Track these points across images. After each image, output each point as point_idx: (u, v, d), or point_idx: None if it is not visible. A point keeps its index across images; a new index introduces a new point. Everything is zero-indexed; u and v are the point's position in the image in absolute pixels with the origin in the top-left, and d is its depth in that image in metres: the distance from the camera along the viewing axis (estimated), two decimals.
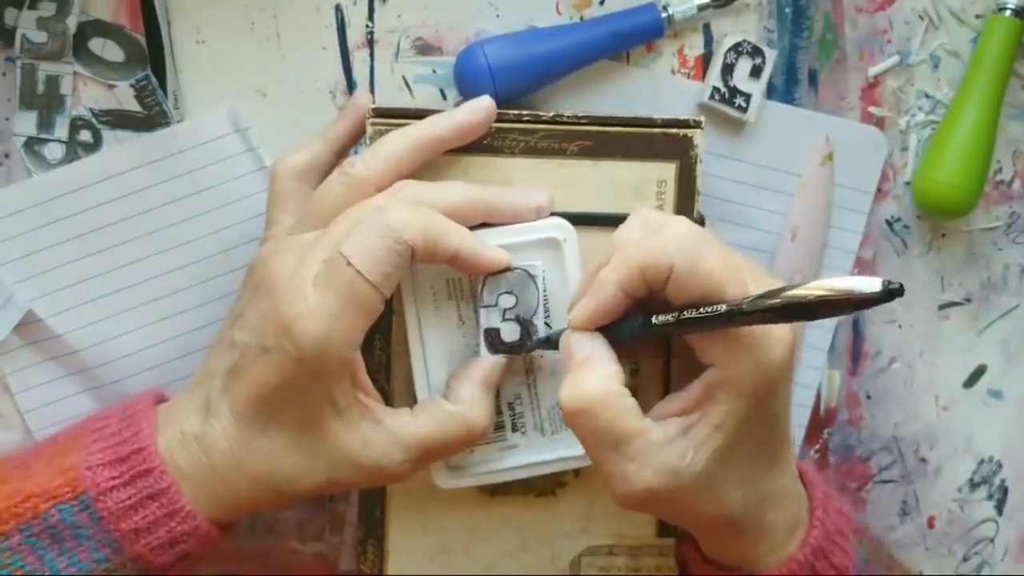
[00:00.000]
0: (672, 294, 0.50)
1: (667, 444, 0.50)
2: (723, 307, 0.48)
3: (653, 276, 0.50)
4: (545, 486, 0.60)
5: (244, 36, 0.62)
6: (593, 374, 0.51)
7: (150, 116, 0.62)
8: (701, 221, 0.58)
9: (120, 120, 0.62)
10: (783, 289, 0.47)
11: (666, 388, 0.58)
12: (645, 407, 0.52)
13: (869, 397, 0.67)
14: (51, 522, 0.53)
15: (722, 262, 0.50)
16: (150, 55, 0.62)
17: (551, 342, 0.55)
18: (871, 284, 0.44)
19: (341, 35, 0.63)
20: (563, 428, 0.58)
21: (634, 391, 0.51)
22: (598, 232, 0.57)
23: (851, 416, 0.68)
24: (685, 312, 0.50)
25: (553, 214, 0.56)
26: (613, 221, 0.54)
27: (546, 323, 0.56)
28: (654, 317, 0.51)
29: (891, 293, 0.44)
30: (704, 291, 0.50)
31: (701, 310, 0.49)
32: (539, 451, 0.58)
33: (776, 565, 0.55)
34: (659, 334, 0.52)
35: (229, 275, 0.63)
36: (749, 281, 0.50)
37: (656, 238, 0.51)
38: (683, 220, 0.52)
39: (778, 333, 0.50)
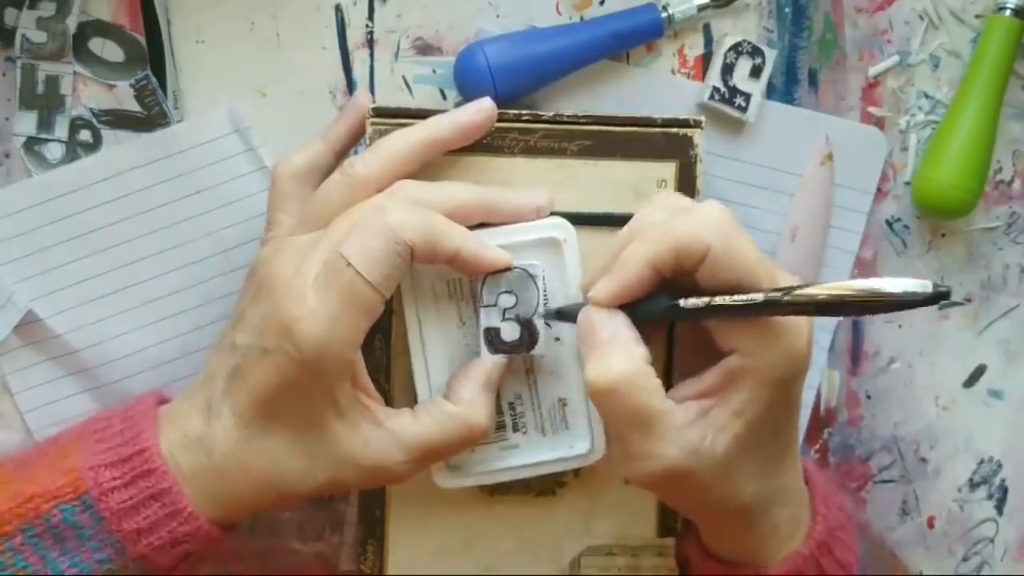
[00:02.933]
0: (703, 278, 0.50)
1: (688, 426, 0.51)
2: (760, 296, 0.48)
3: (687, 257, 0.50)
4: (545, 486, 0.60)
5: (244, 36, 0.62)
6: (620, 353, 0.51)
7: (150, 116, 0.62)
8: None
9: (120, 120, 0.62)
10: (821, 284, 0.47)
11: (667, 378, 0.57)
12: None
13: (869, 397, 0.67)
14: (53, 522, 0.53)
15: (754, 250, 0.50)
16: (150, 55, 0.61)
17: (565, 314, 0.54)
18: (922, 286, 0.44)
19: (341, 35, 0.62)
20: (564, 428, 0.58)
21: None
22: (598, 232, 0.57)
23: (851, 416, 0.68)
24: (717, 298, 0.49)
25: (553, 214, 0.56)
26: (613, 221, 0.54)
27: (546, 323, 0.56)
28: (682, 301, 0.50)
29: (939, 296, 0.44)
30: (739, 277, 0.49)
31: (736, 298, 0.49)
32: (540, 451, 0.58)
33: (781, 560, 0.56)
34: (681, 318, 0.51)
35: (229, 275, 0.63)
36: (775, 271, 0.51)
37: (689, 219, 0.50)
38: (715, 203, 0.51)
39: (801, 323, 0.50)
